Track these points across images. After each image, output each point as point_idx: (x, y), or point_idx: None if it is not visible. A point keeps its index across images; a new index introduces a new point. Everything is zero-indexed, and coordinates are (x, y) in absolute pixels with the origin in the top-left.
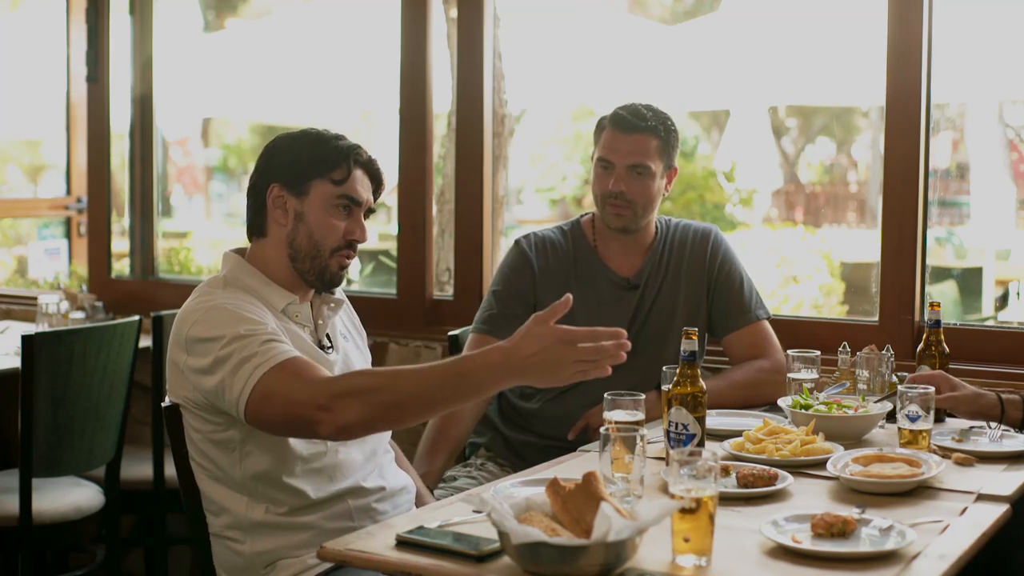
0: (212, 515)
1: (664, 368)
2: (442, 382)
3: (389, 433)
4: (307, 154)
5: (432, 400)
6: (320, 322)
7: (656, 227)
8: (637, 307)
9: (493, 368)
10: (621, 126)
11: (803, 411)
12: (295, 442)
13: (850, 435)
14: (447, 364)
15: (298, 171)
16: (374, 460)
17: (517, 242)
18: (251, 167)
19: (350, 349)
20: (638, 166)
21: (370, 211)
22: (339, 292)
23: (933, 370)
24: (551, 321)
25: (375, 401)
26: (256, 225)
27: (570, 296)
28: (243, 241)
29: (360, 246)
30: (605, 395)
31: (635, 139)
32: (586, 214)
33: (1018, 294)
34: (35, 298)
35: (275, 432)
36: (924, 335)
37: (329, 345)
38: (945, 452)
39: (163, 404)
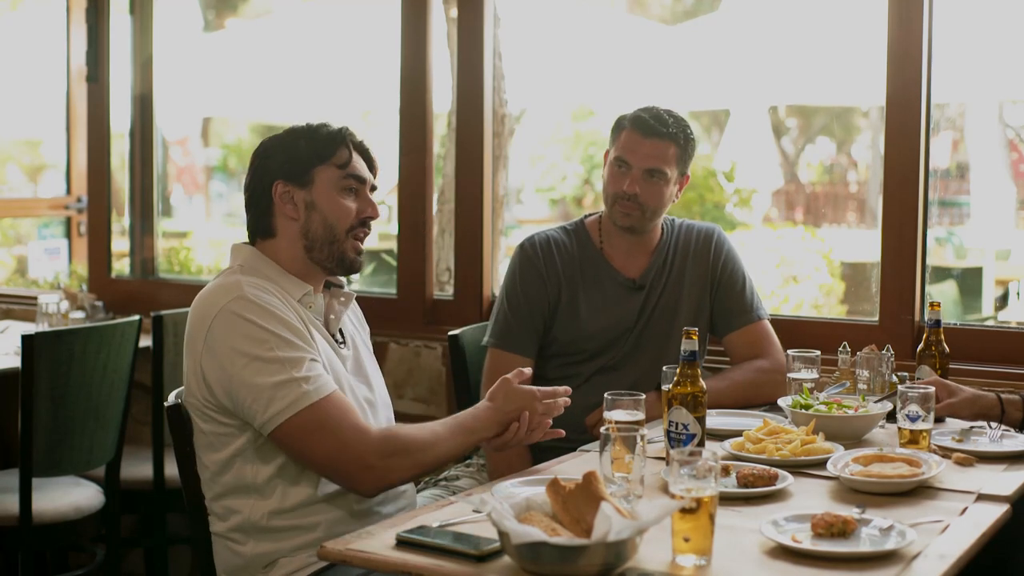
0: (217, 517)
1: (664, 368)
2: (461, 439)
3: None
4: (303, 145)
5: (452, 455)
6: (332, 316)
7: (662, 228)
8: (642, 307)
9: (487, 423)
10: (642, 129)
11: (803, 411)
12: None
13: (850, 435)
14: (460, 424)
15: (299, 163)
16: None
17: (522, 247)
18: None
19: (359, 345)
20: (655, 171)
21: (373, 188)
22: (348, 287)
23: (933, 371)
24: (517, 381)
25: (421, 461)
26: (262, 226)
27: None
28: (243, 239)
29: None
30: (605, 395)
31: (654, 144)
32: (589, 215)
33: (1018, 294)
34: (35, 298)
35: (303, 463)
36: (924, 335)
37: (341, 340)
38: (945, 452)
39: (167, 404)
